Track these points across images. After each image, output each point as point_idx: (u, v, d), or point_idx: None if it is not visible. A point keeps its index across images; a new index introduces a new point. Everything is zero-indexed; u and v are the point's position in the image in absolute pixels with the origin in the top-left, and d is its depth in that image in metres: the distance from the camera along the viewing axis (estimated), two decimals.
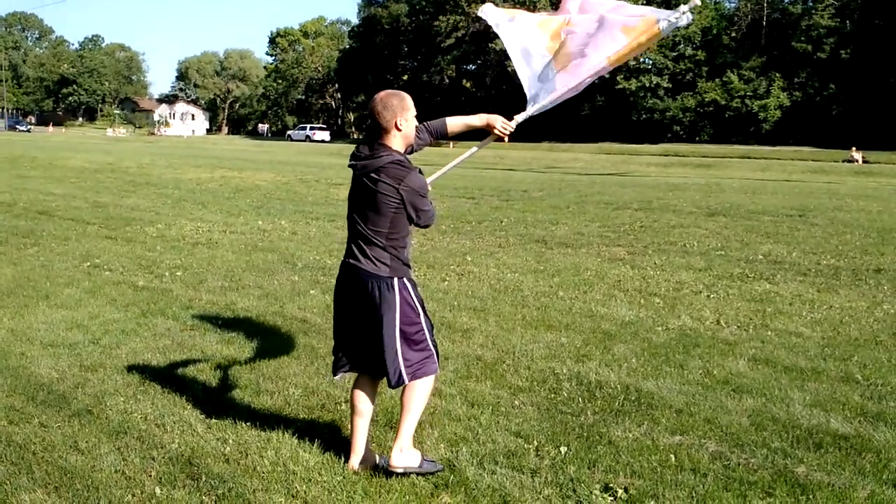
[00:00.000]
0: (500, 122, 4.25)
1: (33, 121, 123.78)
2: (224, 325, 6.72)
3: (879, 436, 4.45)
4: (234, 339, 6.31)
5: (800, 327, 6.89)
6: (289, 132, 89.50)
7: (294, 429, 4.40)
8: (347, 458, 4.00)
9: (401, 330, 3.81)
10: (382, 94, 3.86)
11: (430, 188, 3.94)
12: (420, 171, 3.82)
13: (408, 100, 3.88)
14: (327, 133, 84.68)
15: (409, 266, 3.91)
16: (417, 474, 3.87)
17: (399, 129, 3.81)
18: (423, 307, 3.94)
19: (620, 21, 4.39)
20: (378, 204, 3.74)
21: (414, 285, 3.92)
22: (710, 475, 3.94)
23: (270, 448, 4.16)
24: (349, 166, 3.88)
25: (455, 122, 4.34)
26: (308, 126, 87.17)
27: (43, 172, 23.35)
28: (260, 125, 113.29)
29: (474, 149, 4.66)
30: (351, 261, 3.87)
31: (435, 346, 3.97)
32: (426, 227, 3.94)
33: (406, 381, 3.84)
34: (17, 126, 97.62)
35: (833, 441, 4.37)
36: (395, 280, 3.81)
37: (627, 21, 4.38)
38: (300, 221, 13.73)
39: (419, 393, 3.90)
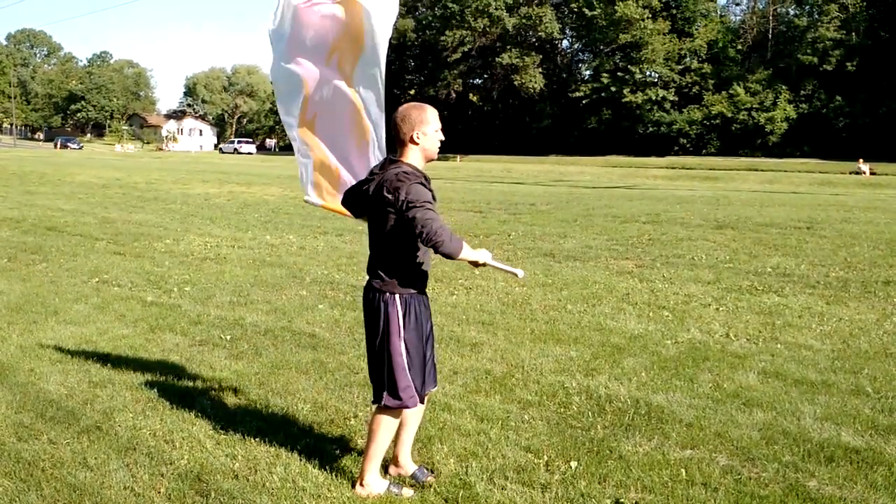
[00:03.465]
0: None
1: (41, 136, 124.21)
2: (232, 341, 6.72)
3: (891, 449, 4.42)
4: (243, 355, 6.31)
5: (809, 340, 6.86)
6: (220, 146, 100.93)
7: (303, 444, 4.39)
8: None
9: (388, 349, 3.75)
10: (405, 105, 3.78)
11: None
12: (422, 184, 3.61)
13: (429, 113, 3.75)
14: (253, 146, 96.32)
15: (417, 281, 3.79)
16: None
17: (416, 143, 3.71)
18: (414, 335, 3.77)
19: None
20: (385, 219, 3.67)
21: (409, 305, 3.76)
22: (722, 490, 3.91)
23: (279, 464, 4.15)
24: (363, 190, 3.76)
25: None
26: (236, 140, 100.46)
27: (51, 188, 23.49)
28: (267, 140, 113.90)
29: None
30: (367, 276, 3.86)
31: (416, 379, 3.79)
32: (433, 246, 3.57)
33: (381, 403, 3.80)
34: (69, 144, 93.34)
35: (844, 454, 4.34)
36: (388, 296, 3.74)
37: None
38: (308, 236, 13.75)
39: (385, 425, 3.83)
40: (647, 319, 7.60)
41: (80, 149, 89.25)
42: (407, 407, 3.82)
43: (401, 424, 3.98)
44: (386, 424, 3.84)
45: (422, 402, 3.91)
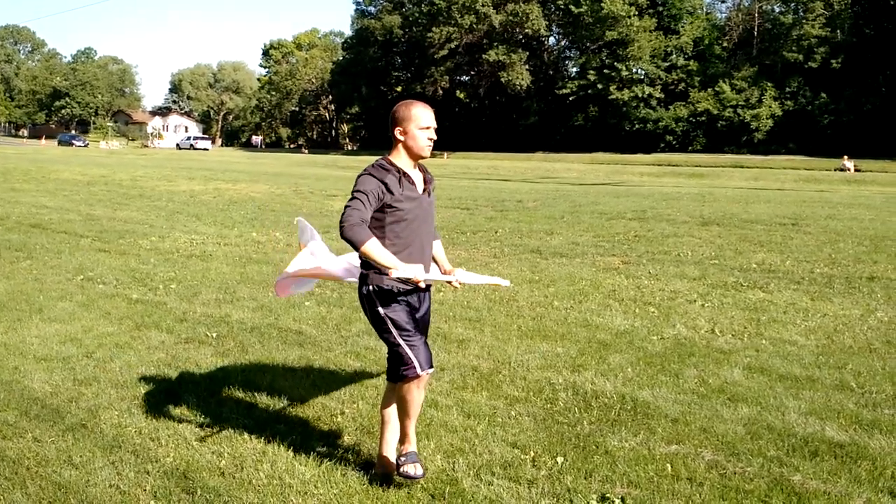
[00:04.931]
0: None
1: (25, 133, 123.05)
2: (218, 338, 6.70)
3: (875, 443, 4.45)
4: (229, 352, 6.29)
5: (794, 336, 6.90)
6: (177, 142, 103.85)
7: (289, 441, 4.38)
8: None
9: (376, 328, 3.85)
10: (399, 102, 3.86)
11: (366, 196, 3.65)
12: (372, 175, 3.65)
13: (415, 110, 3.75)
14: (208, 142, 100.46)
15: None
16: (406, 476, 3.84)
17: (399, 140, 3.76)
18: (403, 314, 3.78)
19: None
20: None
21: (384, 292, 3.75)
22: (707, 484, 3.93)
23: (266, 461, 4.14)
24: None
25: None
26: (192, 136, 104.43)
27: (36, 185, 23.28)
28: (254, 137, 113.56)
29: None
30: None
31: (418, 351, 3.75)
32: (340, 230, 3.55)
33: (393, 381, 3.86)
34: (74, 141, 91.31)
35: (829, 449, 4.37)
36: (363, 286, 3.82)
37: None
38: (295, 233, 13.67)
39: (401, 398, 3.85)
40: (633, 316, 7.63)
41: (86, 146, 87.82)
42: (414, 378, 3.76)
43: (384, 423, 4.03)
44: (405, 397, 3.82)
45: (431, 367, 3.80)
